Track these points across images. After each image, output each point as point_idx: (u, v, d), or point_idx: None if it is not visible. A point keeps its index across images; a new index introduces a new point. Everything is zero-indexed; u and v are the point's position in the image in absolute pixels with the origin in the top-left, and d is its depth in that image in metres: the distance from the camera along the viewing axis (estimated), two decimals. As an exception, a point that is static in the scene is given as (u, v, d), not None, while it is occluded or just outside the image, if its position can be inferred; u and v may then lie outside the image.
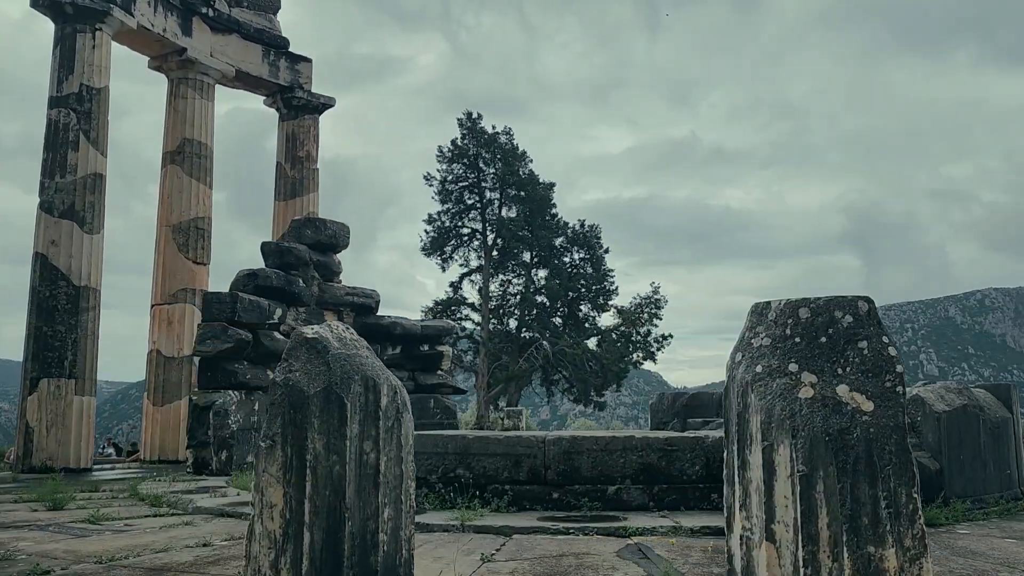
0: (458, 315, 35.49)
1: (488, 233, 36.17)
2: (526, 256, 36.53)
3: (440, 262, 36.00)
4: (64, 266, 15.18)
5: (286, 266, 15.52)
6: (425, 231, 36.23)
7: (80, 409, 15.08)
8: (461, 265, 37.00)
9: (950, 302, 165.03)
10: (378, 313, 17.28)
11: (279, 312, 15.01)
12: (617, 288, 36.42)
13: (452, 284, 36.32)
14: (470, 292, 36.27)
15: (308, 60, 20.51)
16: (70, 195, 15.39)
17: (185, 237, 17.76)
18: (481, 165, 36.15)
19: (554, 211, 36.79)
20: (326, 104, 20.59)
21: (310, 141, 20.43)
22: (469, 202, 36.43)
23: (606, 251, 37.26)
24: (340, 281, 16.87)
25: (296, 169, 20.13)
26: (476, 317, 35.71)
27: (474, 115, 36.42)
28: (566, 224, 37.04)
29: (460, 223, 36.33)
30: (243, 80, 19.42)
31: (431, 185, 36.29)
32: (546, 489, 8.39)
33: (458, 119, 36.45)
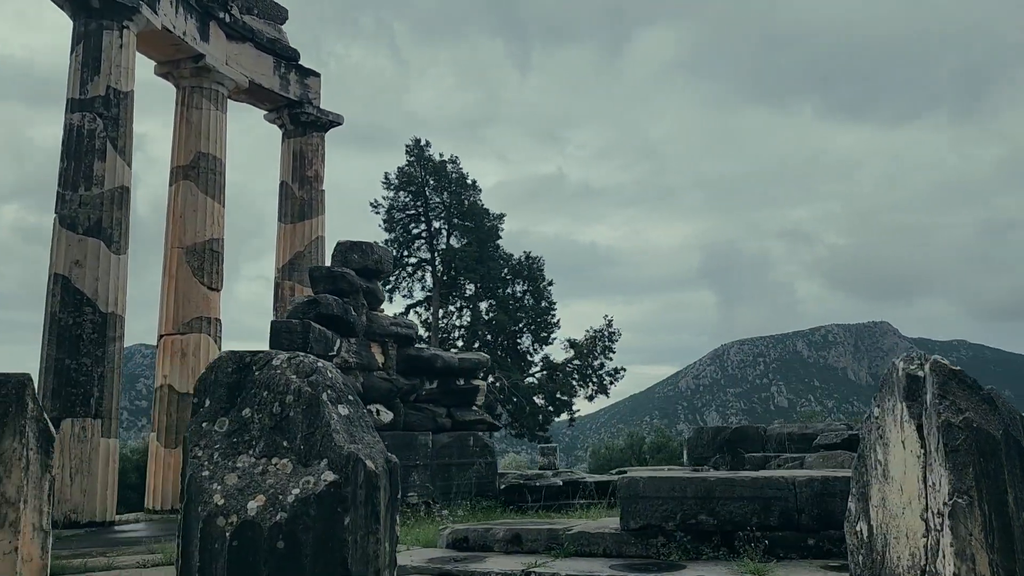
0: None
1: (436, 264, 35.22)
2: (470, 288, 35.78)
3: (386, 293, 34.67)
4: (90, 290, 13.40)
5: (339, 293, 14.29)
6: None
7: (107, 453, 13.28)
8: (405, 296, 35.88)
9: (798, 337, 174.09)
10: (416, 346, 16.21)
11: (337, 343, 13.76)
12: (559, 321, 36.24)
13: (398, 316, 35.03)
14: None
15: (317, 75, 19.28)
16: (96, 210, 13.65)
17: (200, 260, 16.13)
18: (428, 193, 35.27)
19: (499, 242, 36.28)
20: (334, 122, 19.39)
21: (318, 160, 19.14)
22: (415, 231, 35.42)
23: (550, 283, 37.01)
24: (383, 310, 15.75)
25: (304, 190, 18.77)
26: (422, 350, 34.52)
27: (422, 142, 35.59)
28: (510, 256, 36.58)
29: (407, 253, 35.23)
30: (253, 93, 18.00)
31: (377, 213, 35.08)
32: (800, 535, 7.84)
33: (406, 146, 35.54)
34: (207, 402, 3.60)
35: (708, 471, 11.12)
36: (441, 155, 35.73)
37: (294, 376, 3.58)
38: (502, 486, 15.91)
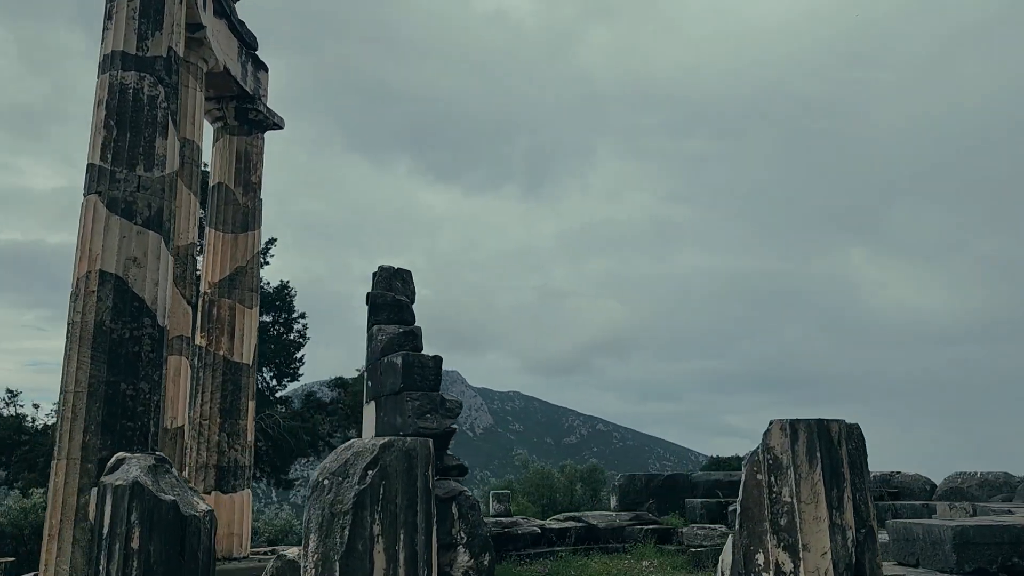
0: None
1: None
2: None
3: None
4: (149, 297, 10.60)
5: (400, 322, 12.96)
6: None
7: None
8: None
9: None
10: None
11: (414, 380, 12.46)
12: (303, 357, 34.48)
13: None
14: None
15: (267, 69, 17.07)
16: (158, 197, 10.89)
17: (183, 268, 13.41)
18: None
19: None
20: (277, 124, 17.21)
21: (261, 164, 16.82)
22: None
23: (301, 316, 35.07)
24: (404, 344, 14.45)
25: (248, 196, 16.35)
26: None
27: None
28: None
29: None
30: (217, 78, 15.41)
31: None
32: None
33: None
34: None
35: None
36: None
37: None
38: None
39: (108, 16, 11.20)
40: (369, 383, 12.54)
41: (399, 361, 11.21)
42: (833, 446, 4.91)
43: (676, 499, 18.05)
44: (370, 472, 5.93)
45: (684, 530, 15.91)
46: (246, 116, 16.53)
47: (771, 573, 4.85)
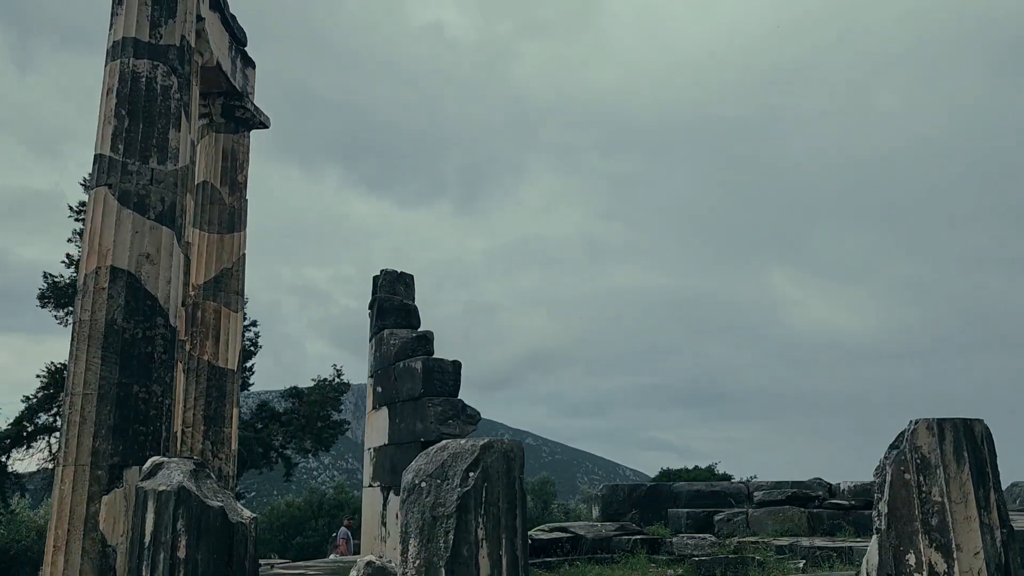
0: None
1: None
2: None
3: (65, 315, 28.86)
4: (162, 296, 10.10)
5: (409, 327, 12.68)
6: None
7: (170, 513, 9.94)
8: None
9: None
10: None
11: (423, 386, 12.17)
12: (254, 366, 33.61)
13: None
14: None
15: (254, 66, 16.59)
16: (171, 192, 10.40)
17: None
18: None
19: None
20: (263, 123, 16.72)
21: (247, 164, 16.30)
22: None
23: (253, 323, 34.18)
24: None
25: (235, 196, 15.81)
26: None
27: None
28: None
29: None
30: (208, 73, 14.88)
31: (77, 219, 29.26)
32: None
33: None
34: None
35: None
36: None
37: None
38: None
39: (119, 1, 10.70)
40: (378, 389, 12.19)
41: (419, 366, 10.93)
42: (977, 445, 4.89)
43: (658, 509, 18.05)
44: (471, 474, 5.68)
45: (674, 540, 15.91)
46: (233, 113, 16.02)
47: (924, 573, 4.78)
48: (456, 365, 11.17)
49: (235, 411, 15.25)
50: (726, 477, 33.92)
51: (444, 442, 6.00)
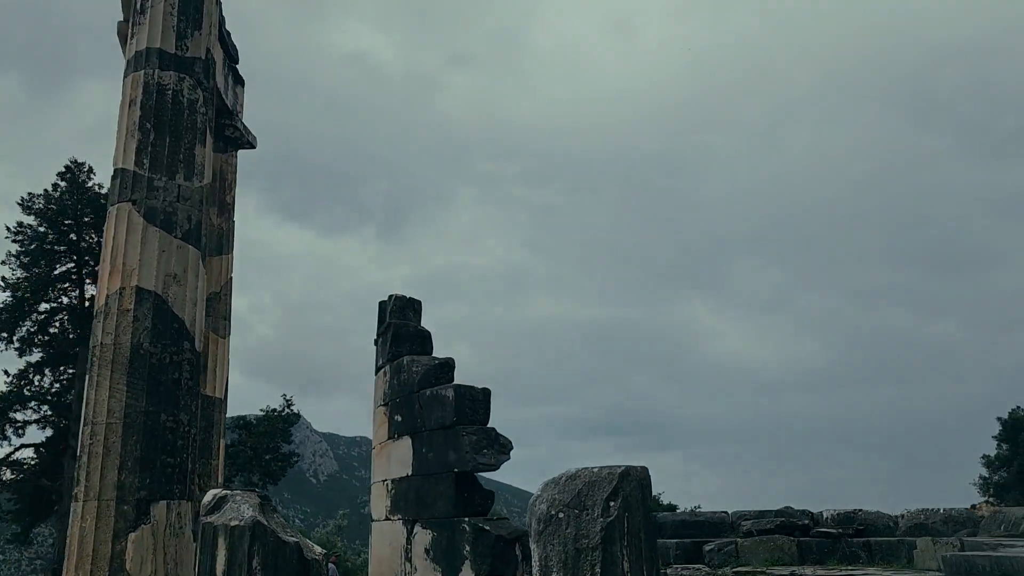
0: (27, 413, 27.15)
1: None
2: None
3: (17, 346, 27.29)
4: (188, 319, 9.57)
5: (423, 352, 12.33)
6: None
7: (194, 550, 9.35)
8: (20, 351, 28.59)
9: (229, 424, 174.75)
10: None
11: (441, 415, 11.83)
12: None
13: (21, 372, 27.63)
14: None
15: (243, 84, 16.09)
16: (196, 209, 9.91)
17: (179, 290, 12.25)
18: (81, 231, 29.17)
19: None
20: (251, 143, 16.19)
21: (235, 184, 15.73)
22: (59, 271, 28.78)
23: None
24: (407, 378, 13.73)
25: (223, 218, 15.21)
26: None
27: (86, 166, 29.48)
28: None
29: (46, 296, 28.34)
30: (203, 88, 14.33)
31: (14, 241, 27.79)
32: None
33: (65, 166, 28.98)
34: None
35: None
36: (100, 186, 29.93)
37: None
38: None
39: (141, 10, 10.22)
40: (397, 418, 11.75)
41: (450, 394, 10.58)
42: None
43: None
44: (612, 503, 5.46)
45: (668, 572, 15.79)
46: (223, 132, 15.43)
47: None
48: (486, 393, 10.87)
49: (221, 442, 14.57)
50: (672, 507, 34.15)
51: (573, 470, 5.77)
